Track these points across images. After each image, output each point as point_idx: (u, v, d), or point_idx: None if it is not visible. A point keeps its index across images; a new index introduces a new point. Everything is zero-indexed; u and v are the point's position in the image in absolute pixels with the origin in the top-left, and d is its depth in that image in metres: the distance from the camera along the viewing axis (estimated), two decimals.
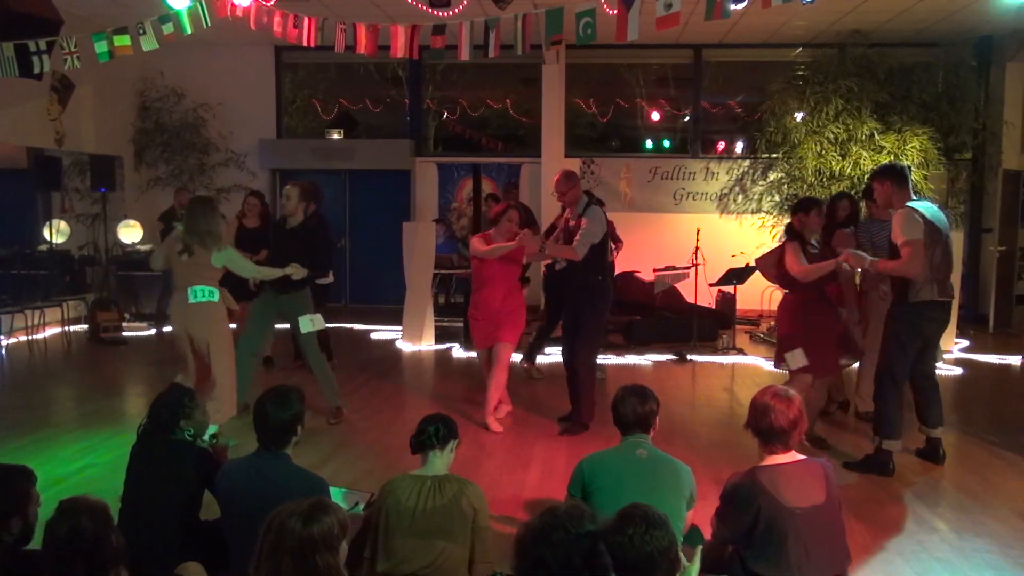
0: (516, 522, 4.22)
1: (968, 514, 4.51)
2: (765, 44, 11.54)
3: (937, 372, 5.46)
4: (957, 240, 11.09)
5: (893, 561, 3.91)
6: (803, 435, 3.13)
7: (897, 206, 4.96)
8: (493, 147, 12.90)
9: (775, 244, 11.15)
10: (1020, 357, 8.62)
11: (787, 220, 11.13)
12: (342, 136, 12.29)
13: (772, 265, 5.62)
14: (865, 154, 10.41)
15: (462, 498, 3.18)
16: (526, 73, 12.26)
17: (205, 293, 5.43)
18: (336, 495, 3.66)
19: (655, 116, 12.48)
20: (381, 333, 10.17)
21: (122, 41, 6.38)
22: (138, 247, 11.08)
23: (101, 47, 6.43)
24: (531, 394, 7.08)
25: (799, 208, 5.55)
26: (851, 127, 10.46)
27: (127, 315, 10.41)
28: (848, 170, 10.47)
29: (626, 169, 12.13)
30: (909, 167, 5.16)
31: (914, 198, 4.98)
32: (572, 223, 5.93)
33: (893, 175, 5.02)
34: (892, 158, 10.32)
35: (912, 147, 10.31)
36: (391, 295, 10.88)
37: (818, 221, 5.53)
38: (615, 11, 5.45)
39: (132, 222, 11.08)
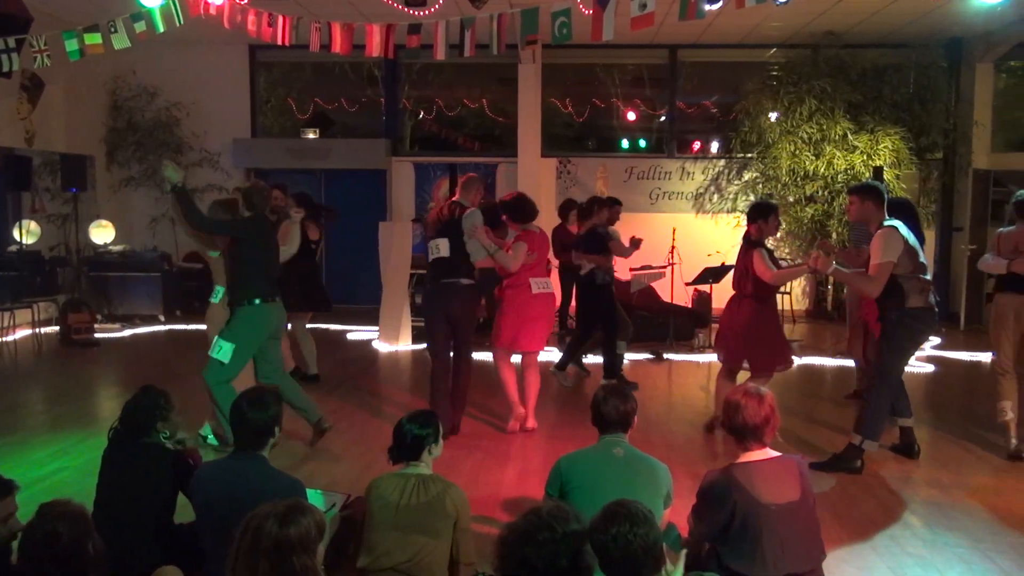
0: (494, 521, 4.22)
1: (940, 509, 4.57)
2: (740, 45, 11.62)
3: (908, 370, 5.56)
4: (928, 239, 11.33)
5: (867, 556, 3.95)
6: (776, 431, 3.16)
7: (872, 224, 5.05)
8: (470, 147, 12.89)
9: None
10: (991, 354, 8.73)
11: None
12: (318, 135, 12.23)
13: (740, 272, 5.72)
14: (839, 154, 10.53)
15: (446, 498, 3.18)
16: (502, 73, 12.26)
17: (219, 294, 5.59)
18: (313, 497, 3.64)
19: (631, 116, 12.53)
20: (357, 333, 10.14)
21: (93, 39, 6.31)
22: (110, 248, 10.95)
23: (72, 45, 6.35)
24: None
25: (758, 215, 5.60)
26: (824, 127, 10.58)
27: (99, 316, 10.29)
28: (822, 170, 10.58)
29: (602, 169, 12.16)
30: (888, 188, 5.28)
31: (887, 217, 5.07)
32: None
33: (876, 195, 5.10)
34: (865, 158, 10.46)
35: (884, 147, 10.45)
36: (367, 295, 10.84)
37: (776, 226, 5.68)
38: (590, 11, 5.47)
39: (104, 222, 10.96)
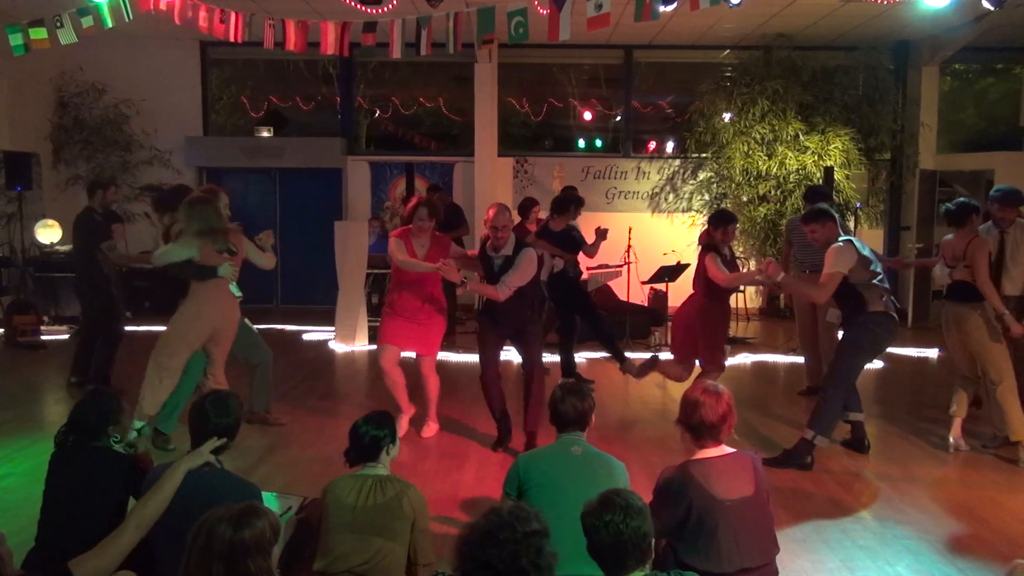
0: (452, 521, 4.22)
1: (889, 502, 4.68)
2: (694, 46, 11.74)
3: None
4: (877, 237, 11.59)
5: (819, 549, 4.03)
6: (732, 429, 3.20)
7: (831, 243, 5.27)
8: (426, 146, 12.84)
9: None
10: (937, 350, 8.97)
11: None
12: (272, 134, 12.07)
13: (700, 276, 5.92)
14: (790, 154, 10.70)
15: (403, 499, 3.16)
16: (459, 72, 12.24)
17: (239, 289, 5.53)
18: (268, 499, 3.59)
19: (587, 116, 12.60)
20: (313, 334, 10.03)
21: (38, 34, 6.16)
22: (57, 248, 10.68)
23: (16, 39, 6.19)
24: (468, 393, 7.06)
25: (716, 222, 5.84)
26: (777, 128, 10.75)
27: (46, 318, 10.03)
28: (774, 170, 10.74)
29: (559, 168, 12.21)
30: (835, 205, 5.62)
31: (842, 233, 5.35)
32: (496, 256, 5.44)
33: (833, 218, 5.37)
34: (816, 159, 10.64)
35: (835, 147, 10.64)
36: (323, 295, 10.73)
37: (731, 236, 5.86)
38: (547, 11, 5.49)
39: (50, 222, 10.67)
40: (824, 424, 5.20)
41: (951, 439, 5.60)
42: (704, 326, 5.81)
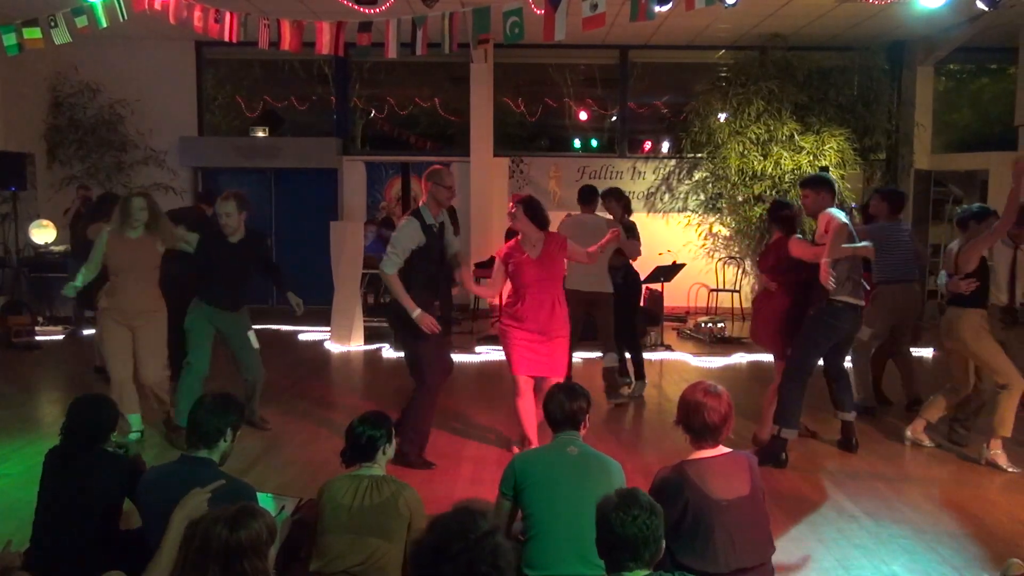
0: None
1: (884, 501, 4.68)
2: (689, 46, 11.76)
3: (848, 366, 5.80)
4: None
5: (814, 548, 4.03)
6: (731, 429, 3.20)
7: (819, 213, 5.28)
8: (422, 146, 12.83)
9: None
10: (931, 349, 8.97)
11: (711, 220, 11.57)
12: (267, 134, 12.06)
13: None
14: (786, 154, 10.71)
15: (399, 499, 3.15)
16: (454, 72, 12.24)
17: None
18: (264, 500, 3.58)
19: (583, 116, 12.61)
20: (309, 334, 10.02)
21: (32, 34, 6.14)
22: (51, 248, 10.65)
23: (10, 39, 6.17)
24: (464, 393, 7.06)
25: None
26: (772, 128, 10.75)
27: (40, 319, 10.00)
28: (770, 169, 10.76)
29: (555, 168, 12.22)
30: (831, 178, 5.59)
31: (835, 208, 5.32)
32: (436, 222, 5.16)
33: (829, 189, 5.36)
34: (811, 159, 10.66)
35: (830, 147, 10.66)
36: (319, 295, 10.70)
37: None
38: (542, 11, 5.49)
39: (45, 222, 10.64)
40: (787, 417, 5.24)
41: (908, 432, 5.69)
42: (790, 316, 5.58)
